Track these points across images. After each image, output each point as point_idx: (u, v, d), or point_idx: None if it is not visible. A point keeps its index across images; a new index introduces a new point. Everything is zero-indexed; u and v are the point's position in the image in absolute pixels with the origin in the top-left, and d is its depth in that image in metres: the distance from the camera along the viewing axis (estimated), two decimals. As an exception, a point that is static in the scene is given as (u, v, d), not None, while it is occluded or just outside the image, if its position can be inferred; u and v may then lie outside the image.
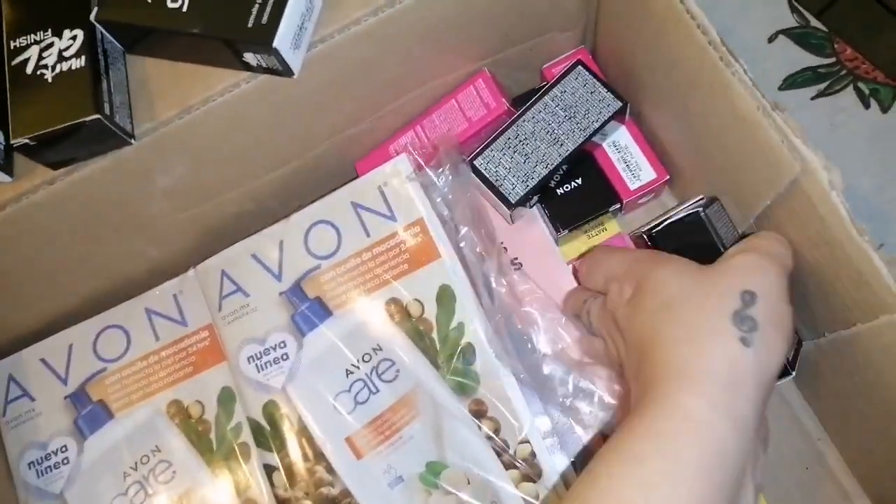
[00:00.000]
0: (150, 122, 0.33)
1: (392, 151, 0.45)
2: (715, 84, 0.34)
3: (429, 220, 0.40)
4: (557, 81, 0.43)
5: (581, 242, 0.45)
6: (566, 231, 0.43)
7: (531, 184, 0.42)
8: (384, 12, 0.34)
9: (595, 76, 0.42)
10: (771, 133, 0.31)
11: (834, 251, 0.31)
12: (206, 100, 0.33)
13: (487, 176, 0.42)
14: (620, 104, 0.42)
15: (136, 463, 0.42)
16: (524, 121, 0.42)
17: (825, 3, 0.89)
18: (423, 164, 0.41)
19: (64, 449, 0.42)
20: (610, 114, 0.42)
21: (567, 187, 0.43)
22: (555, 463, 0.38)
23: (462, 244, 0.40)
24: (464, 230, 0.41)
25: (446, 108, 0.44)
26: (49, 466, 0.42)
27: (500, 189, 0.42)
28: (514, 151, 0.42)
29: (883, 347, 0.30)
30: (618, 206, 0.43)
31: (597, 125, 0.42)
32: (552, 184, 0.43)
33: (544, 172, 0.41)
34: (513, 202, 0.41)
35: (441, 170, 0.41)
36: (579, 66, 0.42)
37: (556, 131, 0.42)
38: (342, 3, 0.34)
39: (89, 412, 0.42)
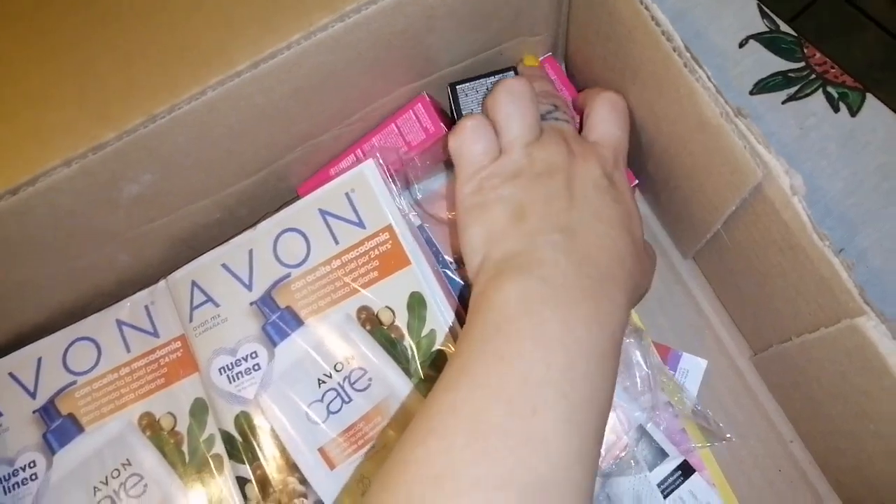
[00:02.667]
0: (115, 132, 0.33)
1: (332, 174, 0.44)
2: (680, 90, 0.34)
3: (397, 226, 0.40)
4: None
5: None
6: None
7: None
8: (350, 18, 0.34)
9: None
10: (734, 139, 0.32)
11: (797, 255, 0.32)
12: (172, 108, 0.33)
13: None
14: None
15: (106, 477, 0.41)
16: None
17: (797, 10, 0.90)
18: (389, 170, 0.41)
19: (32, 465, 0.41)
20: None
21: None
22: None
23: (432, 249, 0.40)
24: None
25: (386, 132, 0.44)
26: (17, 483, 0.41)
27: None
28: None
29: (845, 351, 0.30)
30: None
31: None
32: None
33: None
34: None
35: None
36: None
37: None
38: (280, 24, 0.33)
39: (59, 426, 0.42)
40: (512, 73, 0.43)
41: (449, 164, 0.46)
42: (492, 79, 0.42)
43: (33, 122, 0.34)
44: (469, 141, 0.34)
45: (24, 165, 0.33)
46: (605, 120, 0.36)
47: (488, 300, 0.29)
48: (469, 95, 0.42)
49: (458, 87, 0.42)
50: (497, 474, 0.24)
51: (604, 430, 0.28)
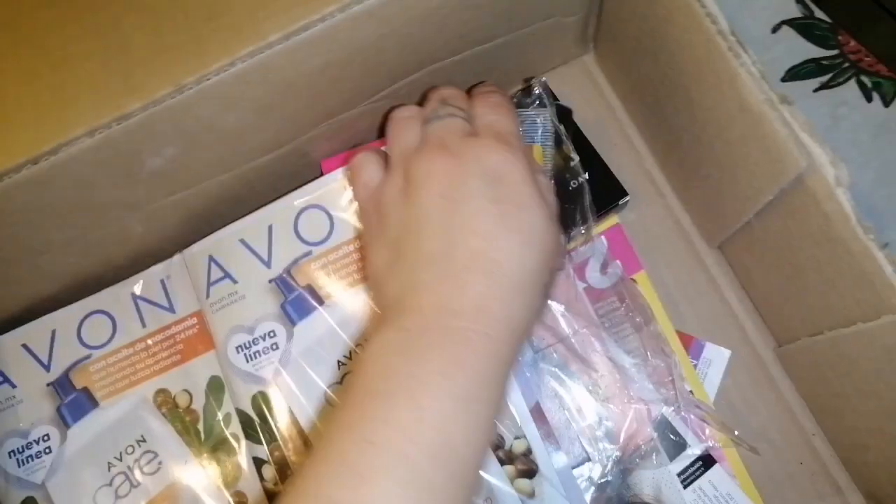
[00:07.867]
0: (141, 102, 0.32)
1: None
2: (721, 74, 0.33)
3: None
4: None
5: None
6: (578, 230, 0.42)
7: None
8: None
9: None
10: (777, 126, 0.31)
11: (836, 249, 0.31)
12: (200, 79, 0.32)
13: None
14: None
15: (120, 453, 0.40)
16: None
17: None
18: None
19: (46, 438, 0.41)
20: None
21: (574, 184, 0.42)
22: (551, 460, 0.37)
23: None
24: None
25: None
26: (31, 455, 0.41)
27: None
28: None
29: (884, 347, 0.30)
30: (627, 198, 0.42)
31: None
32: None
33: None
34: None
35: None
36: None
37: None
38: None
39: (73, 400, 0.41)
40: (546, 111, 0.41)
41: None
42: (526, 111, 0.41)
43: (56, 86, 0.33)
44: (356, 171, 0.35)
45: (47, 134, 0.32)
46: (484, 114, 0.34)
47: (359, 358, 0.28)
48: None
49: None
50: None
51: (472, 473, 0.26)
